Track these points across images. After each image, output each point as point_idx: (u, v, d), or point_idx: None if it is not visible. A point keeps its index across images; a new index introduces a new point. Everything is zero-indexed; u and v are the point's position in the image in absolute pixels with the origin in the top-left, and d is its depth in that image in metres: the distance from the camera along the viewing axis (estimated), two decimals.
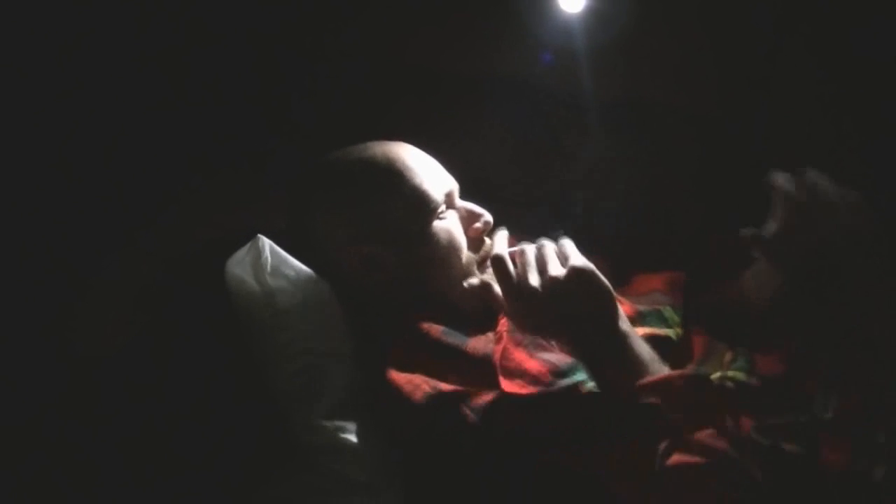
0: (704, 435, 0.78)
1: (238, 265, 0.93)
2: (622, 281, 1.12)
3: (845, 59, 1.14)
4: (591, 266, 0.85)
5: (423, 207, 0.95)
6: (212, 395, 0.92)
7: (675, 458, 0.76)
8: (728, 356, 0.98)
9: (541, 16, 1.20)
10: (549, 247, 0.86)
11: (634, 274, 1.14)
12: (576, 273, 0.83)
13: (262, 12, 1.19)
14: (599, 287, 0.84)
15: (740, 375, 0.93)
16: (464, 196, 1.05)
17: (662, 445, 0.77)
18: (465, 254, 0.98)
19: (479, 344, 0.93)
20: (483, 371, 0.91)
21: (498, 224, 1.04)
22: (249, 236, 0.96)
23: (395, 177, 0.95)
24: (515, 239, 1.17)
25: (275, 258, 0.93)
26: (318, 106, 1.24)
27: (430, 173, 0.97)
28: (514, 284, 0.84)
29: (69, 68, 1.11)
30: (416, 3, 1.23)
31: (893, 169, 1.12)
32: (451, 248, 0.96)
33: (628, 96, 1.28)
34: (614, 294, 0.86)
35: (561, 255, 0.86)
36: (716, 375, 0.93)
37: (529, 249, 0.86)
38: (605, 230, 1.26)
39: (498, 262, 0.85)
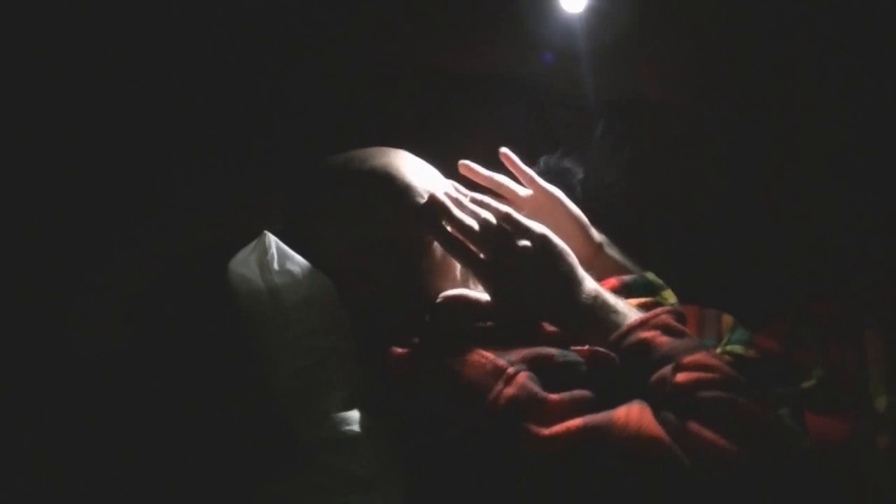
0: (698, 356, 0.79)
1: (242, 263, 0.93)
2: None
3: (845, 58, 1.15)
4: (547, 230, 0.88)
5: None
6: (212, 394, 0.91)
7: (681, 376, 0.77)
8: (727, 321, 0.99)
9: (542, 15, 1.20)
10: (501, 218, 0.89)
11: None
12: (540, 241, 0.87)
13: (262, 11, 1.19)
14: (560, 250, 0.88)
15: (738, 349, 0.94)
16: None
17: (668, 369, 0.78)
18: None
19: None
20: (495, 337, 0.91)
21: None
22: (250, 236, 0.96)
23: (395, 193, 0.94)
24: None
25: (280, 254, 0.93)
26: (318, 105, 1.24)
27: (429, 186, 0.96)
28: (489, 267, 0.88)
29: (68, 68, 1.11)
30: (417, 3, 1.23)
31: (894, 169, 1.12)
32: (446, 258, 0.96)
33: (628, 96, 1.28)
34: (572, 254, 0.88)
35: (513, 225, 0.89)
36: (718, 351, 0.94)
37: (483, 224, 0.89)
38: (604, 230, 1.26)
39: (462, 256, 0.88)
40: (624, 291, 0.99)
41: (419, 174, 0.97)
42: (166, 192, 1.14)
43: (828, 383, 0.90)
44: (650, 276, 1.04)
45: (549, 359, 0.82)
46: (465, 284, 0.98)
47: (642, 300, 0.98)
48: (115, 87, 1.13)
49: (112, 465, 0.91)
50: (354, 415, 0.87)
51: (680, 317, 0.86)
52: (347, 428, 0.86)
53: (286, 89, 1.23)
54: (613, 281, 1.03)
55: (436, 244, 0.94)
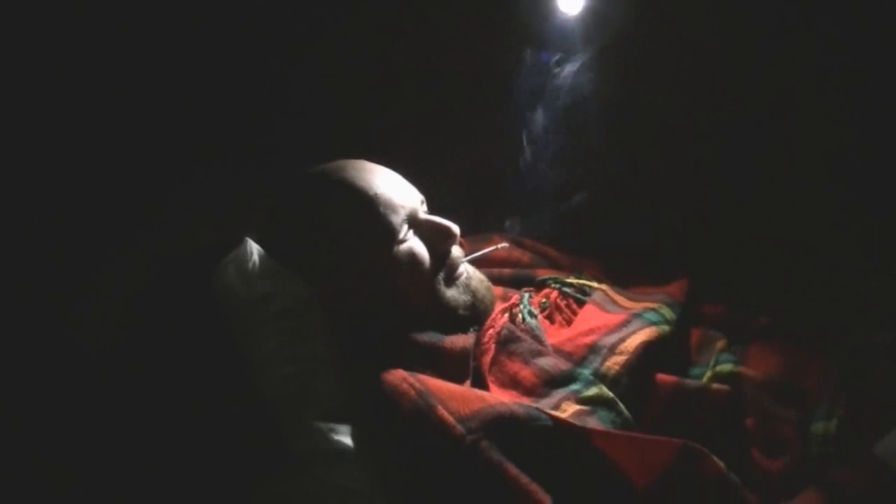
0: None
1: (226, 270, 0.92)
2: (619, 283, 1.12)
3: (843, 58, 1.15)
4: None
5: (385, 239, 0.94)
6: (204, 402, 0.91)
7: None
8: (721, 343, 1.00)
9: (540, 17, 1.21)
10: None
11: (639, 285, 1.13)
12: None
13: (262, 13, 1.19)
14: None
15: (727, 367, 0.94)
16: (462, 197, 1.05)
17: None
18: (429, 271, 0.96)
19: (458, 341, 0.93)
20: (461, 365, 0.92)
21: (498, 224, 1.04)
22: (241, 240, 0.95)
23: (359, 213, 0.94)
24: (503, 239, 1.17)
25: (262, 262, 0.92)
26: (318, 105, 1.24)
27: (393, 198, 0.95)
28: None
29: (68, 69, 1.11)
30: (416, 4, 1.24)
31: (893, 169, 1.13)
32: (414, 269, 0.95)
33: (627, 96, 1.29)
34: None
35: None
36: (707, 375, 0.94)
37: None
38: (604, 229, 1.27)
39: None
40: (632, 320, 0.98)
41: (383, 188, 0.95)
42: (166, 193, 1.14)
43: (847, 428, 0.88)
44: (664, 310, 1.02)
45: (512, 419, 0.81)
46: (432, 290, 0.97)
47: (644, 340, 0.95)
48: (114, 88, 1.13)
49: (103, 468, 0.90)
50: (344, 426, 0.86)
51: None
52: (338, 440, 0.85)
53: (286, 89, 1.23)
54: (622, 316, 0.99)
55: (400, 257, 0.94)
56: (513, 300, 1.04)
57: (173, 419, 0.88)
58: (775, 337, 1.01)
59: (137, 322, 0.95)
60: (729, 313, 1.06)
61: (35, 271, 1.03)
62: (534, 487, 0.76)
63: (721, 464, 0.79)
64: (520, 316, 1.00)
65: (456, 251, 1.00)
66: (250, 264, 0.91)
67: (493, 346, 0.95)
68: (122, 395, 0.92)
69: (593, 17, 1.20)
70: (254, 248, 0.93)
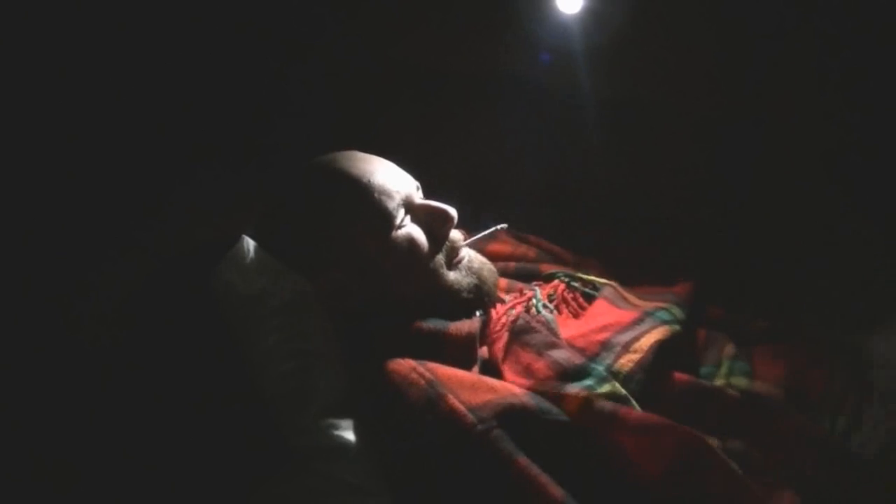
0: None
1: (225, 268, 0.92)
2: (620, 282, 1.12)
3: (840, 59, 1.16)
4: None
5: (383, 225, 0.94)
6: (204, 399, 0.91)
7: None
8: (729, 348, 1.00)
9: (539, 17, 1.22)
10: None
11: (640, 285, 1.14)
12: None
13: (262, 13, 1.19)
14: None
15: (743, 382, 0.94)
16: (463, 196, 1.05)
17: None
18: (429, 255, 0.96)
19: (464, 326, 0.93)
20: (467, 350, 0.91)
21: (498, 222, 1.04)
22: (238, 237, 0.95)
23: (355, 201, 0.93)
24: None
25: (259, 258, 0.92)
26: (318, 106, 1.24)
27: (388, 185, 0.95)
28: None
29: (68, 69, 1.11)
30: (417, 3, 1.24)
31: (893, 169, 1.13)
32: (413, 254, 0.95)
33: (625, 96, 1.29)
34: None
35: None
36: (719, 382, 0.95)
37: None
38: (603, 229, 1.27)
39: None
40: (644, 318, 0.97)
41: (376, 177, 0.95)
42: (166, 193, 1.14)
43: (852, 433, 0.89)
44: (674, 309, 1.01)
45: (524, 411, 0.81)
46: (434, 275, 0.96)
47: (658, 339, 0.95)
48: (114, 88, 1.13)
49: (104, 467, 0.90)
50: (345, 422, 0.86)
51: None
52: (339, 435, 0.85)
53: (286, 89, 1.23)
54: (634, 313, 0.99)
55: (399, 243, 0.93)
56: (528, 294, 1.03)
57: (173, 418, 0.88)
58: (777, 342, 1.01)
59: (137, 321, 0.95)
60: (728, 316, 1.06)
61: (35, 271, 1.02)
62: (544, 479, 0.75)
63: (725, 457, 0.80)
64: (534, 308, 1.00)
65: (455, 235, 0.99)
66: (248, 261, 0.92)
67: (505, 333, 0.94)
68: (122, 395, 0.92)
69: (592, 17, 1.21)
70: (250, 245, 0.93)
